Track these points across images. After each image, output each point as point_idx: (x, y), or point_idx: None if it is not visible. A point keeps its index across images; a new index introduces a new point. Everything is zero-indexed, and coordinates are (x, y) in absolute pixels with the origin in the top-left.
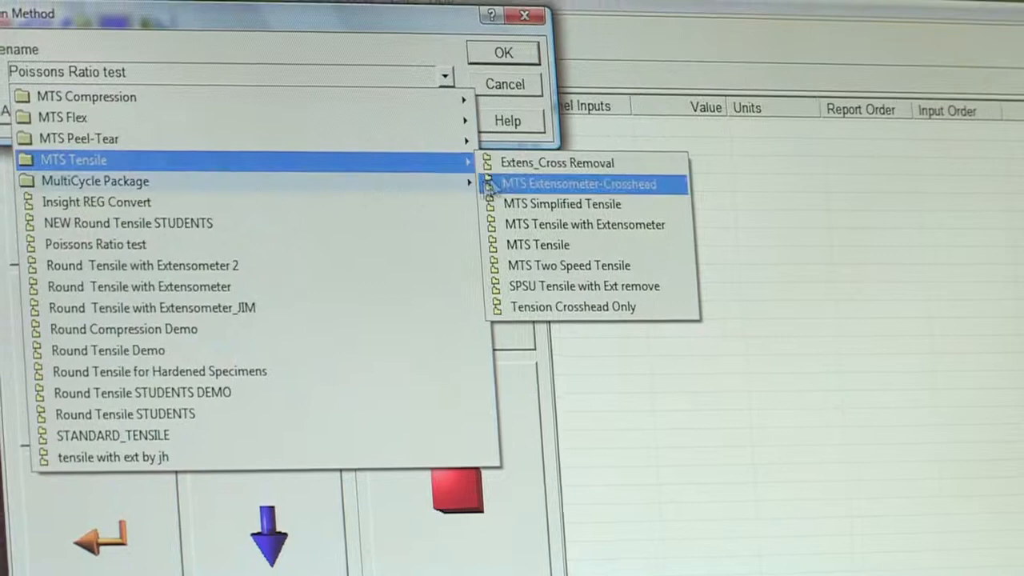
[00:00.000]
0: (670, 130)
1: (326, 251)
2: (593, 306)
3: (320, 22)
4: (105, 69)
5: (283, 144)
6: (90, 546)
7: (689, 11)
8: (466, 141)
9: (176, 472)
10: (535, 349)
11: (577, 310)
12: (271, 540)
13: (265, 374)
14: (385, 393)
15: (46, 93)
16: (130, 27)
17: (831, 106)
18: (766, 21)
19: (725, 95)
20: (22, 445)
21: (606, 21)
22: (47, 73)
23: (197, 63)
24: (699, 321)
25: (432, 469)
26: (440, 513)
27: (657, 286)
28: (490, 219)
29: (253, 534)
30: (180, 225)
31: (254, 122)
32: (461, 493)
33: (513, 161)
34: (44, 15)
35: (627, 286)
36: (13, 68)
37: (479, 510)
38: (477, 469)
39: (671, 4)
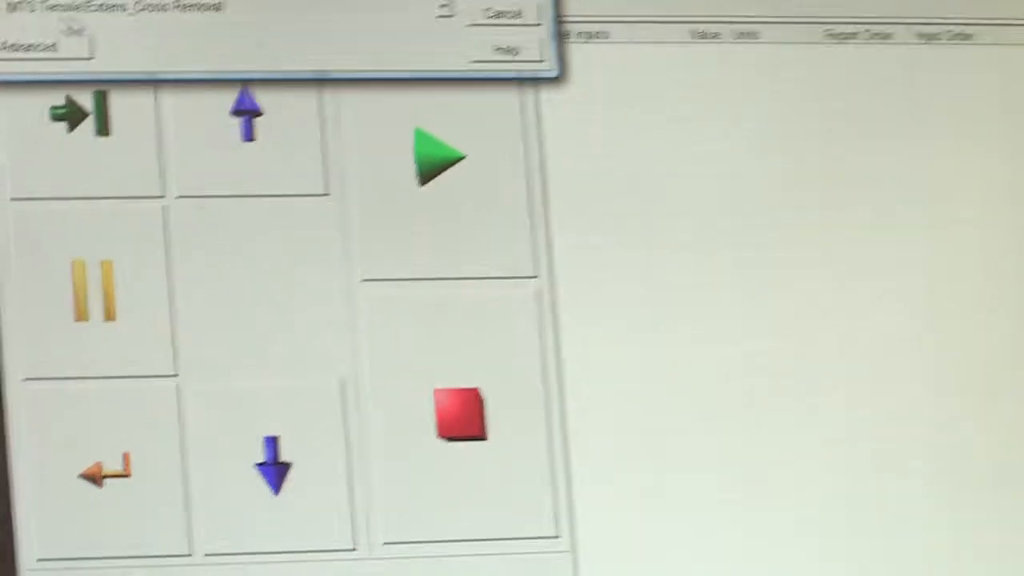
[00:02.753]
0: (667, 58)
1: None
2: None
3: None
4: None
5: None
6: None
7: None
8: None
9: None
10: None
11: None
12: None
13: None
14: None
15: None
16: None
17: (829, 32)
18: None
19: (723, 22)
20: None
21: None
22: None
23: None
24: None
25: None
26: (445, 441)
27: None
28: None
29: (257, 464)
30: None
31: (249, 52)
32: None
33: None
34: None
35: None
36: None
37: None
38: (479, 395)
39: None
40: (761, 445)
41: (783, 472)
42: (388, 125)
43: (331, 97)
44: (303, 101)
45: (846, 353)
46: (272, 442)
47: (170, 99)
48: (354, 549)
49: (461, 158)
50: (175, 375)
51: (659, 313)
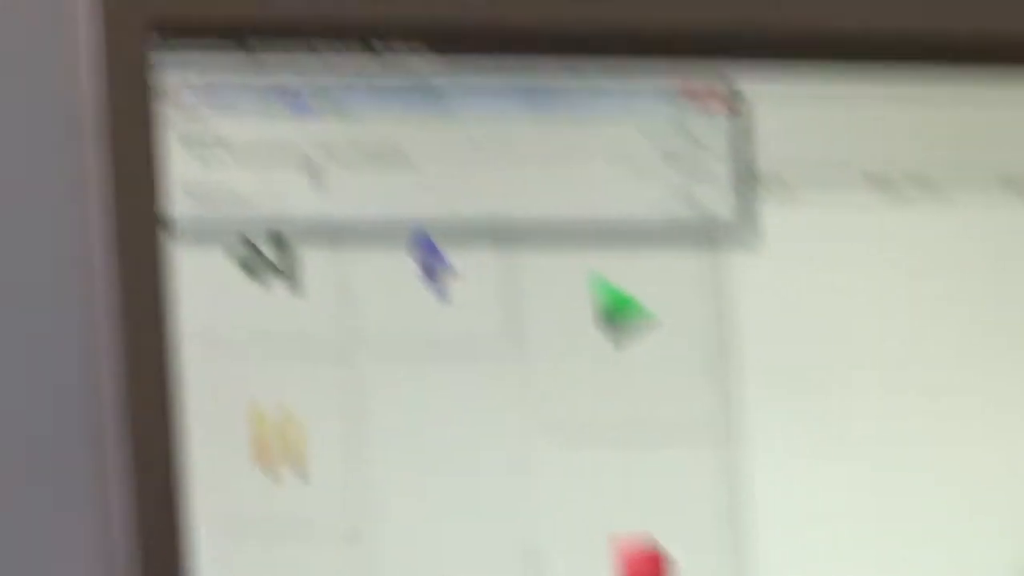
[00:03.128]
0: (856, 213)
1: None
2: None
3: (502, 105)
4: (287, 149)
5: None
6: None
7: (875, 95)
8: None
9: None
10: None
11: None
12: None
13: None
14: None
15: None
16: (312, 107)
17: (1009, 185)
18: (959, 108)
19: (916, 182)
20: None
21: (792, 102)
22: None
23: (380, 145)
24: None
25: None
26: None
27: None
28: None
29: None
30: None
31: (433, 203)
32: None
33: None
34: (224, 92)
35: None
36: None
37: None
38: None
39: (857, 87)
40: None
41: None
42: (570, 276)
43: (514, 248)
44: (486, 252)
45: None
46: None
47: (353, 247)
48: None
49: (644, 311)
50: (358, 534)
51: (851, 472)
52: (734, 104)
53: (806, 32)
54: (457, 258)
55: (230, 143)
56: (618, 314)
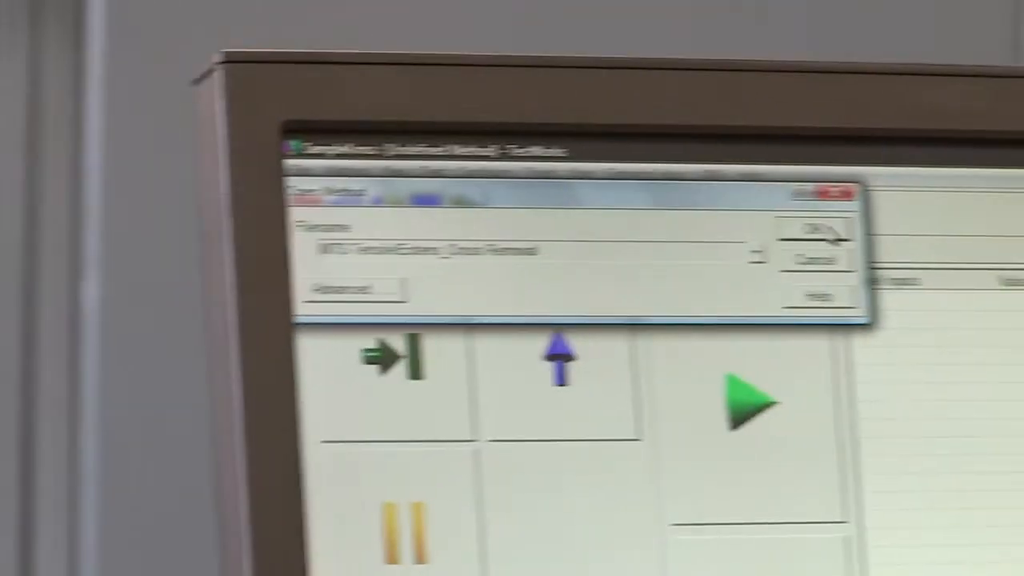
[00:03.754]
0: (979, 304)
1: None
2: None
3: (631, 199)
4: (417, 247)
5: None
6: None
7: (997, 187)
8: None
9: None
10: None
11: None
12: None
13: None
14: None
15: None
16: (442, 205)
17: None
18: None
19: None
20: None
21: (916, 196)
22: (360, 251)
23: (510, 240)
24: None
25: None
26: None
27: None
28: None
29: None
30: None
31: (561, 297)
32: None
33: None
34: (355, 192)
35: None
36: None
37: None
38: None
39: (979, 180)
40: None
41: None
42: (699, 370)
43: (643, 342)
44: (615, 346)
45: None
46: None
47: (483, 342)
48: None
49: (773, 403)
50: None
51: (975, 558)
52: (860, 198)
53: (933, 132)
54: (583, 350)
55: (360, 242)
56: (745, 403)
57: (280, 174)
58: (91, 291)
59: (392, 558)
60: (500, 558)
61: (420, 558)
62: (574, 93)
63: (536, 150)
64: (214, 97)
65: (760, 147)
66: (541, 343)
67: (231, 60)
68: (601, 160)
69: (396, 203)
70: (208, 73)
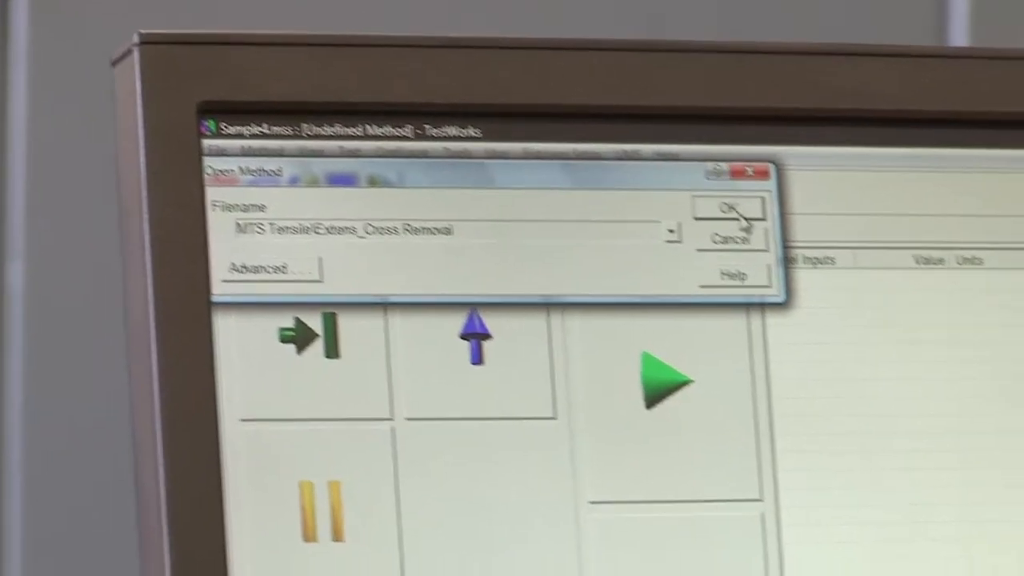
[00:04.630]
0: (894, 283)
1: None
2: None
3: (547, 179)
4: (333, 226)
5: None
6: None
7: (912, 166)
8: None
9: None
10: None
11: None
12: None
13: None
14: None
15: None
16: (358, 185)
17: None
18: (987, 175)
19: (948, 248)
20: None
21: (831, 176)
22: (276, 231)
23: (426, 220)
24: None
25: None
26: None
27: None
28: None
29: None
30: None
31: (478, 276)
32: None
33: None
34: (271, 173)
35: None
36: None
37: None
38: None
39: (894, 160)
40: None
41: None
42: (615, 348)
43: (559, 321)
44: (531, 325)
45: None
46: None
47: (399, 321)
48: None
49: (688, 382)
50: None
51: (889, 536)
52: (775, 178)
53: (847, 112)
54: (499, 329)
55: (276, 222)
56: (661, 381)
57: (197, 154)
58: (16, 272)
59: (309, 536)
60: (416, 535)
61: (337, 536)
62: (489, 73)
63: (451, 130)
64: (131, 78)
65: (675, 127)
66: (457, 322)
67: (148, 41)
68: (516, 140)
69: (312, 183)
70: (126, 54)
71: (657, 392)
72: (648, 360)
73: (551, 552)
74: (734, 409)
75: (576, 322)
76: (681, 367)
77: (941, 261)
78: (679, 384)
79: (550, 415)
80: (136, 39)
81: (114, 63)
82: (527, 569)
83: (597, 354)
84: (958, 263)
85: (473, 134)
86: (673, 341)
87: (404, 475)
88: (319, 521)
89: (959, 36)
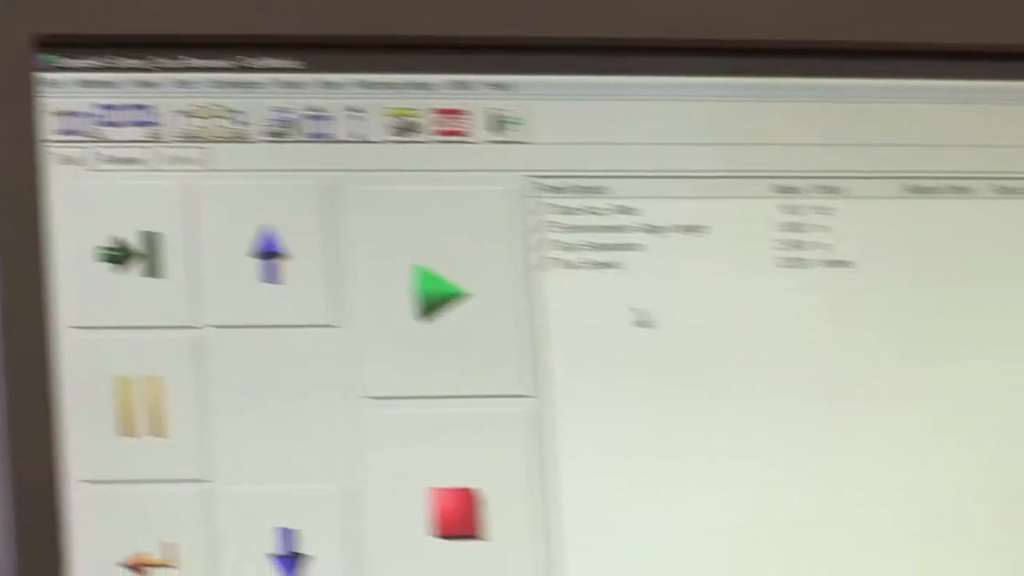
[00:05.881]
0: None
1: None
2: None
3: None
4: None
5: None
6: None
7: (782, 96)
8: None
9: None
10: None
11: None
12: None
13: None
14: None
15: None
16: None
17: (910, 187)
18: (847, 104)
19: (805, 177)
20: None
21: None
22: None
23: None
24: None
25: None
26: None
27: None
28: None
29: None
30: None
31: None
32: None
33: None
34: (104, 106)
35: None
36: None
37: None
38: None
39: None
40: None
41: None
42: (391, 260)
43: (344, 233)
44: (315, 239)
45: (878, 503)
46: (287, 536)
47: (206, 241)
48: None
49: (462, 293)
50: (211, 480)
51: (658, 430)
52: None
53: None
54: (287, 247)
55: (108, 154)
56: (435, 292)
57: (31, 88)
58: None
59: (127, 431)
60: (225, 435)
61: (155, 432)
62: (311, 3)
63: (273, 62)
64: None
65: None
66: (250, 240)
67: None
68: (340, 71)
69: (138, 117)
70: None
71: (431, 302)
72: (422, 272)
73: (334, 442)
74: (507, 316)
75: (357, 232)
76: (455, 279)
77: (797, 191)
78: (453, 295)
79: (333, 323)
80: None
81: None
82: (313, 455)
83: (373, 265)
84: (817, 193)
85: (296, 65)
86: (448, 253)
87: (213, 377)
88: (136, 417)
89: None
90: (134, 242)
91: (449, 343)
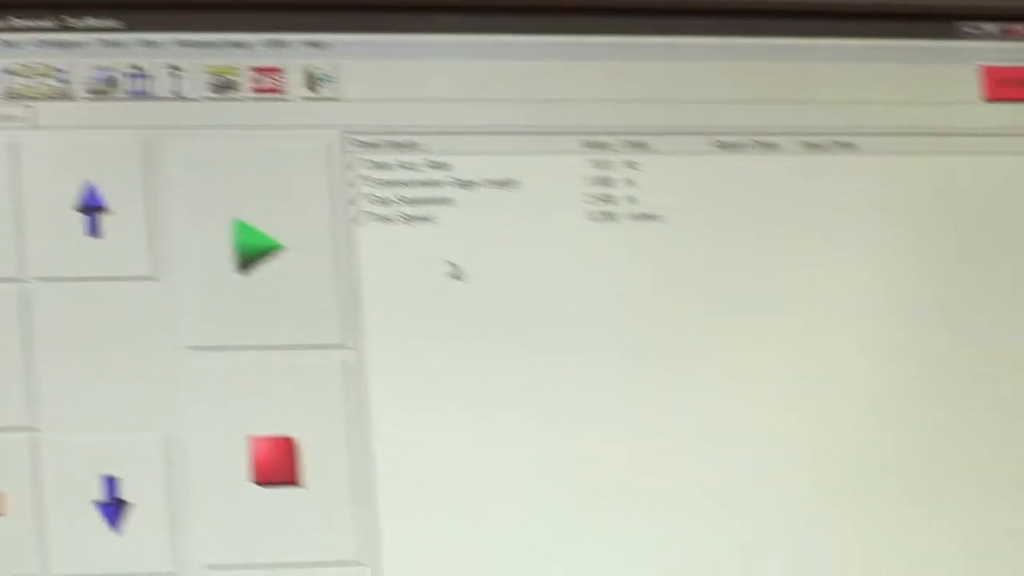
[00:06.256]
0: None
1: None
2: None
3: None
4: None
5: None
6: None
7: (590, 54)
8: None
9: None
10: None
11: None
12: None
13: None
14: None
15: None
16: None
17: (717, 143)
18: (654, 63)
19: (613, 133)
20: None
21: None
22: None
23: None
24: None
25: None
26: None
27: None
28: None
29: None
30: None
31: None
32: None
33: None
34: None
35: None
36: None
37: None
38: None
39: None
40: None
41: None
42: (210, 213)
43: (163, 188)
44: (135, 192)
45: (696, 447)
46: (111, 484)
47: (29, 198)
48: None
49: (279, 247)
50: (37, 429)
51: (468, 375)
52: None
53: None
54: (109, 201)
55: None
56: (252, 245)
57: None
58: None
59: None
60: (50, 385)
61: None
62: None
63: (95, 22)
64: None
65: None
66: (73, 195)
67: None
68: (160, 30)
69: None
70: None
71: (250, 255)
72: (240, 226)
73: (154, 390)
74: (321, 269)
75: (176, 186)
76: (272, 232)
77: (607, 146)
78: (270, 248)
79: (151, 275)
80: None
81: None
82: (135, 404)
83: (193, 218)
84: (625, 148)
85: (115, 25)
86: (265, 206)
87: (36, 327)
88: None
89: None
90: None
91: (267, 295)
